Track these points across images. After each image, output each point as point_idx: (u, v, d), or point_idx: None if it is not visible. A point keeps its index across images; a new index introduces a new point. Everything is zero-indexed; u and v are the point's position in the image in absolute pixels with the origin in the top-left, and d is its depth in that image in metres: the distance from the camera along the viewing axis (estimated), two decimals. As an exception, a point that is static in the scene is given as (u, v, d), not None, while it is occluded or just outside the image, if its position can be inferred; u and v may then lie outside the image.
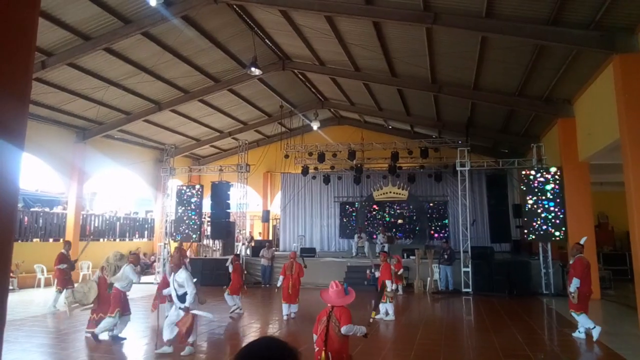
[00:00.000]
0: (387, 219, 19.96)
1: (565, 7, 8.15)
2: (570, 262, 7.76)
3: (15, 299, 11.55)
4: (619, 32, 8.30)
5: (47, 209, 16.27)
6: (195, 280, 6.67)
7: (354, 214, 20.38)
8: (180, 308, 6.27)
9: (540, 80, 11.56)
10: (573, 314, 7.52)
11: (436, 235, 19.12)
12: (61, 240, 15.98)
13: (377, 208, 20.17)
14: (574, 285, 7.31)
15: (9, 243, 1.95)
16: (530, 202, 13.00)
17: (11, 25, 1.96)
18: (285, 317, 9.30)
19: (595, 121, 10.58)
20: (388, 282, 9.37)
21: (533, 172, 13.12)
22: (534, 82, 11.68)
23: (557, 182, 12.78)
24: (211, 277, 14.33)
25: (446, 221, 19.27)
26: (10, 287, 12.27)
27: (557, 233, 12.68)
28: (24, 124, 2.00)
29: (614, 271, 14.32)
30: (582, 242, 7.81)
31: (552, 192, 12.84)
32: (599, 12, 7.97)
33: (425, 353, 6.69)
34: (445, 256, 13.50)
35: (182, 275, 6.31)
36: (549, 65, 10.54)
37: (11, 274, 11.09)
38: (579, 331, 7.48)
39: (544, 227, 12.78)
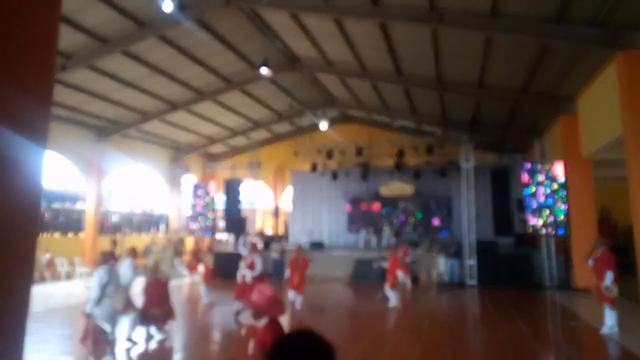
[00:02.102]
0: (394, 213, 20.38)
1: (570, 5, 8.14)
2: (594, 255, 7.71)
3: (35, 291, 11.97)
4: (623, 29, 8.28)
5: (67, 205, 16.92)
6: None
7: (361, 209, 20.80)
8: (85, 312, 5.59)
9: (544, 78, 11.61)
10: (607, 308, 7.24)
11: (441, 229, 19.48)
12: (79, 234, 16.69)
13: (383, 203, 20.59)
14: (609, 278, 7.18)
15: (34, 237, 2.06)
16: (533, 196, 13.29)
17: (35, 30, 2.07)
18: (291, 301, 9.86)
19: (598, 117, 10.61)
20: (400, 273, 10.00)
21: (536, 168, 13.38)
22: (538, 79, 11.73)
23: (560, 177, 13.04)
24: (224, 270, 14.81)
25: (451, 215, 19.61)
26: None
27: (559, 228, 12.94)
28: (47, 123, 2.09)
29: (617, 265, 14.50)
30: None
31: (554, 187, 13.11)
32: (604, 9, 7.94)
33: (432, 344, 6.89)
34: (451, 249, 13.87)
35: (92, 279, 5.72)
36: (552, 63, 10.56)
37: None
38: (609, 327, 7.27)
39: (547, 221, 13.06)
